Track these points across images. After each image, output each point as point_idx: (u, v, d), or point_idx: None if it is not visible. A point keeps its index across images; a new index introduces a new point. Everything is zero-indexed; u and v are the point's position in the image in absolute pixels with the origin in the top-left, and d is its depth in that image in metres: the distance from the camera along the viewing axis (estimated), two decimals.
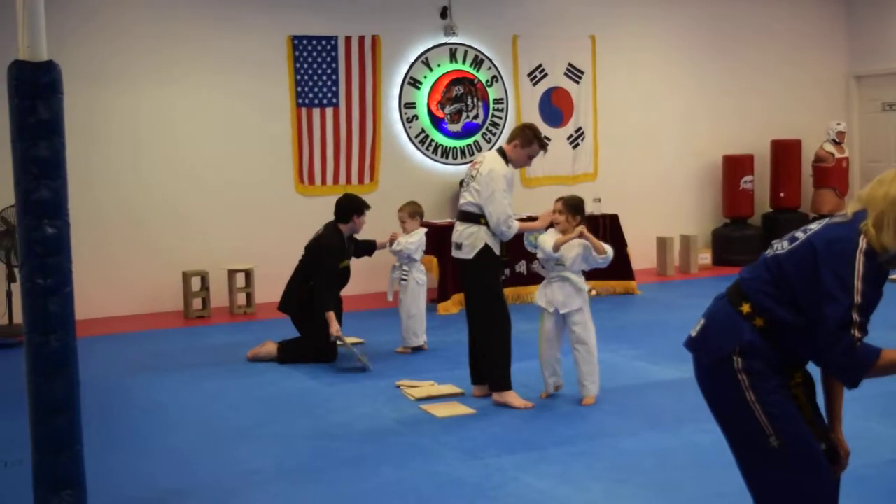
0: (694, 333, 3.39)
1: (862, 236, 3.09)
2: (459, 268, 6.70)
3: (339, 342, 7.83)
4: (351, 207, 8.07)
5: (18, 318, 8.65)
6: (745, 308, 3.24)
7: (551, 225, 6.54)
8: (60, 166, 4.25)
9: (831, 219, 3.27)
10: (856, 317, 3.03)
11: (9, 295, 9.18)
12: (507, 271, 10.21)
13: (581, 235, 6.36)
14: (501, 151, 6.51)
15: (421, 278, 8.31)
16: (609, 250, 6.44)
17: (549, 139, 11.92)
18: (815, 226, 3.26)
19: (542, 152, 6.64)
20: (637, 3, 12.51)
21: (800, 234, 3.24)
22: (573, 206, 6.45)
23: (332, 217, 8.10)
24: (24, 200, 4.20)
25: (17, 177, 4.20)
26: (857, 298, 3.03)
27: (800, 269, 3.15)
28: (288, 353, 7.93)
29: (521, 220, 6.87)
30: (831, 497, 3.23)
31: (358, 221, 8.08)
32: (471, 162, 11.35)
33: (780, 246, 3.27)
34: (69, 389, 4.29)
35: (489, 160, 6.47)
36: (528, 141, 6.47)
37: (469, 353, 6.70)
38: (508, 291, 10.09)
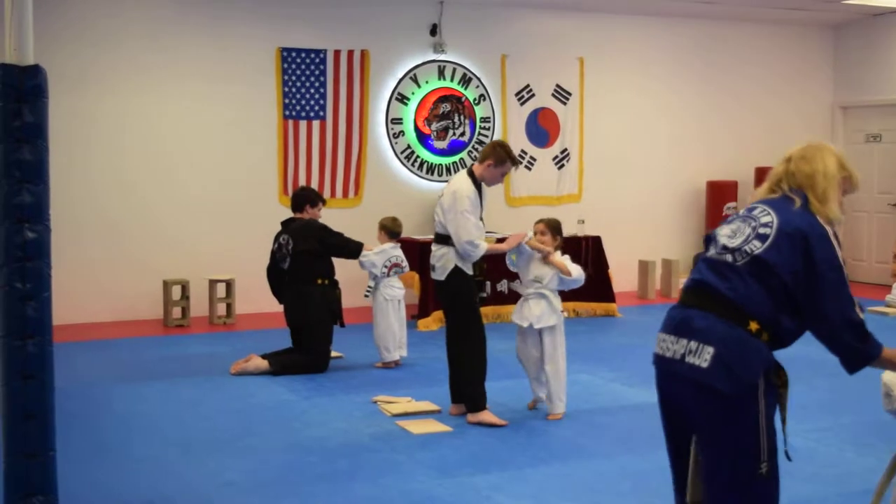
0: (704, 364, 3.04)
1: (817, 217, 3.13)
2: (436, 288, 6.74)
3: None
4: (304, 198, 8.29)
5: None
6: (754, 326, 3.05)
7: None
8: (43, 171, 4.24)
9: (770, 202, 3.22)
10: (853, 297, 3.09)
11: None
12: (487, 289, 10.23)
13: (547, 257, 6.55)
14: (471, 172, 6.52)
15: (389, 293, 8.18)
16: (575, 272, 6.56)
17: (535, 159, 12.05)
18: (763, 215, 3.17)
19: (514, 168, 6.68)
20: (626, 27, 12.58)
21: (765, 230, 3.13)
22: (554, 227, 6.66)
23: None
24: (5, 204, 4.18)
25: None
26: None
27: (790, 263, 3.07)
28: (282, 365, 7.89)
29: (499, 240, 6.90)
30: None
31: (311, 212, 8.20)
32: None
33: (751, 246, 3.12)
34: (44, 395, 4.26)
35: (455, 181, 6.50)
36: (502, 160, 6.47)
37: (449, 372, 6.71)
38: (489, 310, 10.12)
